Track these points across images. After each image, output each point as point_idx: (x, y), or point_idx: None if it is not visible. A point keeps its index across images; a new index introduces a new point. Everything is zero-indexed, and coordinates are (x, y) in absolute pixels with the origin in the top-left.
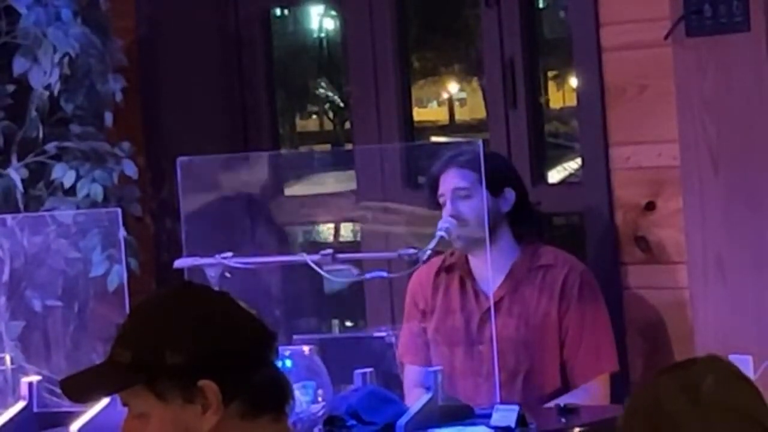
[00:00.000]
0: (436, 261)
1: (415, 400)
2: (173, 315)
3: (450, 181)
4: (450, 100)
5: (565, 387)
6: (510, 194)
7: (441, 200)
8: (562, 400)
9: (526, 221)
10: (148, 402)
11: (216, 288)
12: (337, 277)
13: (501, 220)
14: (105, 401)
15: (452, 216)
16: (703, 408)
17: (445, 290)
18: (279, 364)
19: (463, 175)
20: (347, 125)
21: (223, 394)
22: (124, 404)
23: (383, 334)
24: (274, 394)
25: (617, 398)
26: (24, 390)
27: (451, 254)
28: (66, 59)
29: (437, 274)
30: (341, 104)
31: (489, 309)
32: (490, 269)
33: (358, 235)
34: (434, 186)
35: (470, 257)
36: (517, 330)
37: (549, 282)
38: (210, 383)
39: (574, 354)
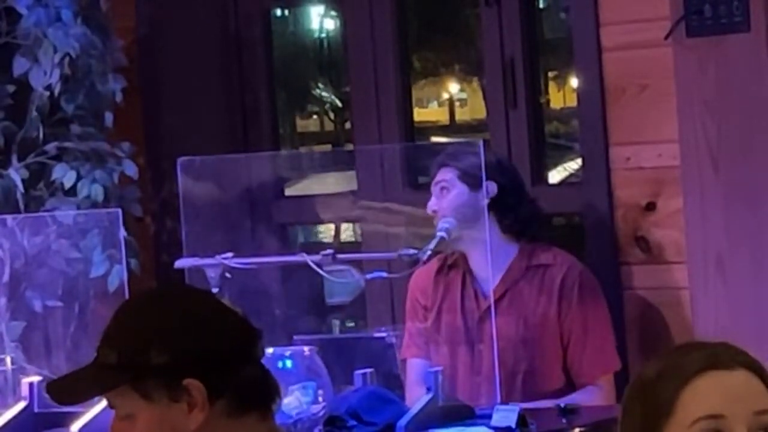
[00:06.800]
0: (437, 259)
1: (418, 395)
2: (157, 314)
3: (435, 177)
4: (450, 101)
5: (569, 386)
6: (491, 186)
7: None
8: (570, 400)
9: (513, 213)
10: (134, 402)
11: (216, 288)
12: (337, 277)
13: (481, 213)
14: (105, 401)
15: (433, 211)
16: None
17: (445, 288)
18: (279, 364)
19: (445, 170)
20: (347, 125)
21: (208, 393)
22: (111, 406)
23: (383, 334)
24: (261, 392)
25: (619, 398)
26: (24, 390)
27: (452, 253)
28: (66, 59)
29: (438, 272)
30: (341, 104)
31: (488, 308)
32: (490, 268)
33: (359, 235)
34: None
35: (468, 255)
36: (515, 329)
37: (547, 281)
38: (195, 382)
39: (579, 355)
